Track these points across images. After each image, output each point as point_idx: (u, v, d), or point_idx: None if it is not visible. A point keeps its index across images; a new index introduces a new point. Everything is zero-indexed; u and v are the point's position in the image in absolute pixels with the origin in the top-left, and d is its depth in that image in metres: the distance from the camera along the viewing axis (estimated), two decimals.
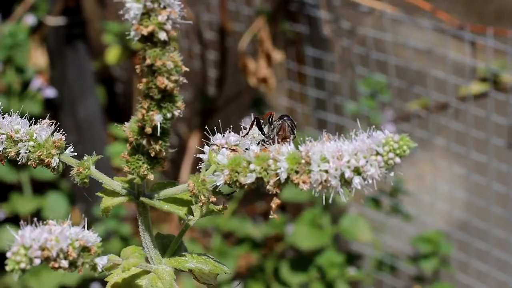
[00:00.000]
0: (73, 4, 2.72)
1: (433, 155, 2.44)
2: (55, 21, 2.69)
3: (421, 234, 2.36)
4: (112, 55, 2.83)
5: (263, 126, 0.99)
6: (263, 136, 0.98)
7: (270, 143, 0.97)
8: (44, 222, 0.81)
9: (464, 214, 2.38)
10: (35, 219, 0.82)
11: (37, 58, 2.81)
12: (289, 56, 2.58)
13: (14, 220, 2.51)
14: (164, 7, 0.79)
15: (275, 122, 0.98)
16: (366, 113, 2.42)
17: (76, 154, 0.91)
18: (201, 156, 0.89)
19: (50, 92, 2.63)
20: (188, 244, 2.65)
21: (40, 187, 2.57)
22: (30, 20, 2.65)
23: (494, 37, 2.14)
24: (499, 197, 2.29)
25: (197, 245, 2.58)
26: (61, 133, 0.91)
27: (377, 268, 2.54)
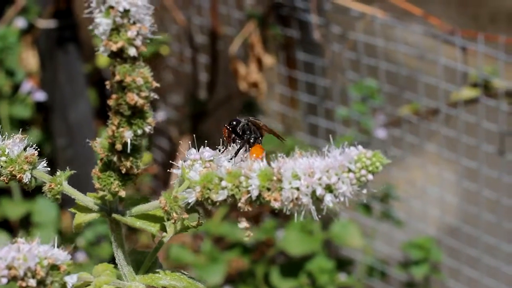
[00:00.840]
0: (64, 7, 2.70)
1: (424, 160, 2.43)
2: (46, 23, 2.68)
3: (412, 240, 2.35)
4: (104, 58, 2.81)
5: (237, 133, 0.98)
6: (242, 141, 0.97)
7: (253, 141, 0.97)
8: (13, 240, 0.80)
9: (455, 220, 2.37)
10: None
11: (28, 60, 2.80)
12: (280, 60, 2.57)
13: (4, 224, 2.50)
14: (134, 23, 0.78)
15: (241, 125, 0.98)
16: (357, 118, 2.41)
17: (49, 169, 0.90)
18: (174, 171, 0.88)
19: (41, 96, 2.62)
20: (178, 249, 2.64)
21: (29, 191, 2.56)
22: (20, 23, 2.64)
23: (485, 43, 2.13)
24: (490, 204, 2.28)
25: (187, 250, 2.57)
26: (34, 148, 0.90)
27: (368, 274, 2.53)
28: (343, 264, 2.45)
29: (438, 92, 2.26)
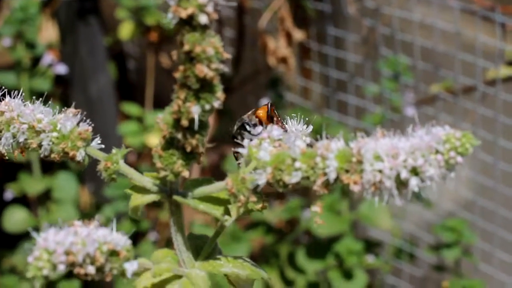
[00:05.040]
0: None
1: None
2: None
3: (444, 222, 2.28)
4: (126, 30, 2.75)
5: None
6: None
7: None
8: (69, 223, 0.73)
9: (488, 203, 2.29)
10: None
11: (48, 32, 2.73)
12: (309, 35, 2.49)
13: (23, 200, 2.44)
14: None
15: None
16: (388, 96, 2.34)
17: (103, 146, 0.83)
18: (239, 150, 0.81)
19: (61, 68, 2.55)
20: (200, 228, 2.58)
21: (49, 166, 2.50)
22: None
23: None
24: None
25: (210, 228, 2.51)
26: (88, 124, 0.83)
27: (396, 256, 2.47)
28: (371, 245, 2.39)
29: (475, 70, 2.18)
